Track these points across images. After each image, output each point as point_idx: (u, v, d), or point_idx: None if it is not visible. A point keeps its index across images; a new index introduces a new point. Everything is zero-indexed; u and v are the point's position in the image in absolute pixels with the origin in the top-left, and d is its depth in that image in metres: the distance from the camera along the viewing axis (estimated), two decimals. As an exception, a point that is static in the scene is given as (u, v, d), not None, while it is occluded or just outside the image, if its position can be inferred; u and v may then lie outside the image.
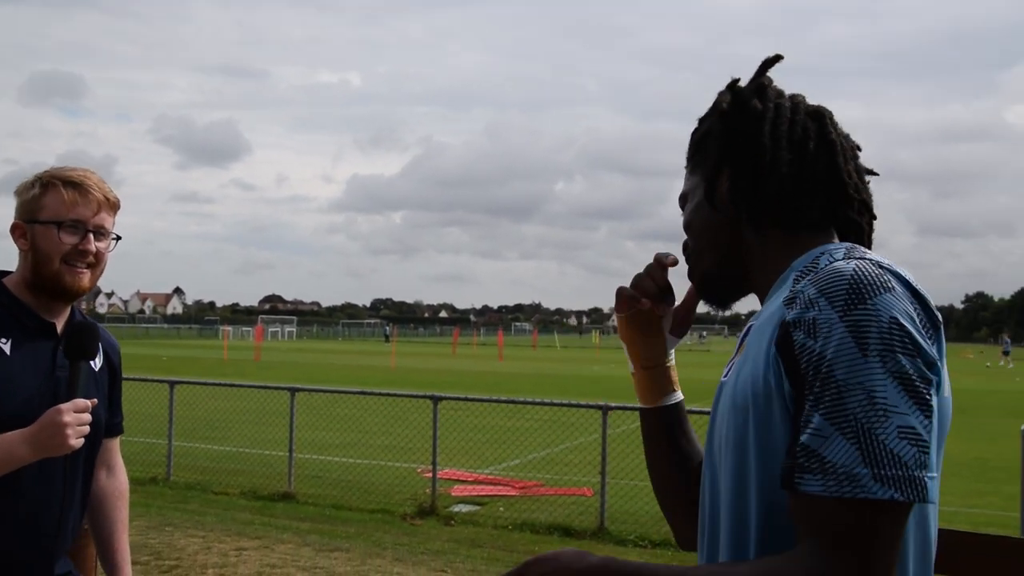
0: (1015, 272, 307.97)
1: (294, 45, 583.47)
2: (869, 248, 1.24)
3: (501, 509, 8.55)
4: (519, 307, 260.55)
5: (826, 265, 1.13)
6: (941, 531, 1.18)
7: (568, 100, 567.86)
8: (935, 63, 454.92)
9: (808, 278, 1.11)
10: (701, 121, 1.35)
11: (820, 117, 1.27)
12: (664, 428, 1.43)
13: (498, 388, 22.85)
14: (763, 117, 1.25)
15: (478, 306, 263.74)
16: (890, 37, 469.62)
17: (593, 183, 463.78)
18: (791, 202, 1.23)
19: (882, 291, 1.04)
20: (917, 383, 1.01)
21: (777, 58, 1.32)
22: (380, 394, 11.29)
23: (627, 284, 1.42)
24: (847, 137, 1.29)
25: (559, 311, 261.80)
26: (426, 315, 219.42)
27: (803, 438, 1.02)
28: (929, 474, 0.99)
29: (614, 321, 1.59)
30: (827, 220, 1.25)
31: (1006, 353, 52.95)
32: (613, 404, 8.39)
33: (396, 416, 11.87)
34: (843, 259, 1.13)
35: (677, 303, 1.45)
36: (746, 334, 1.24)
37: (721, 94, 1.31)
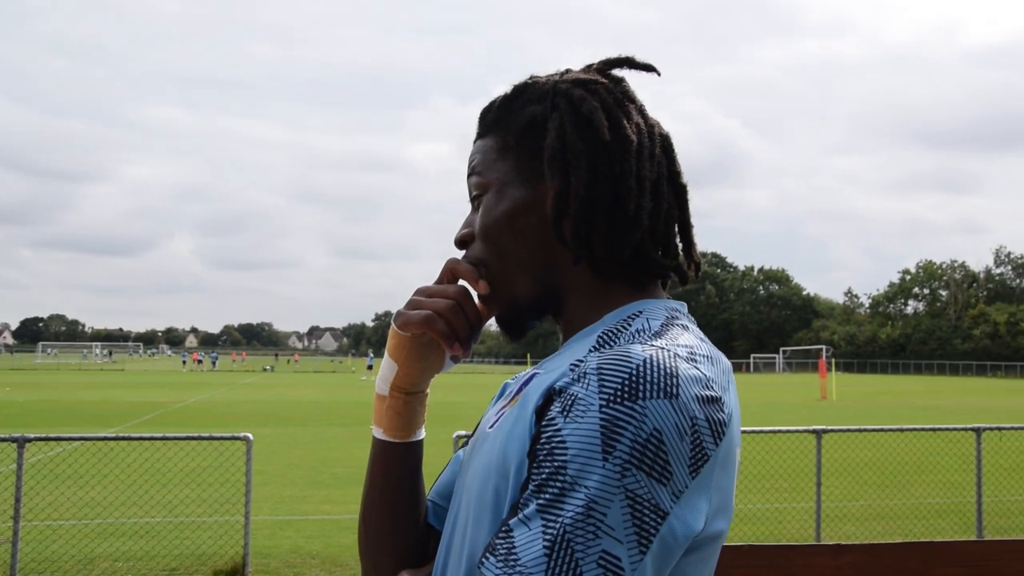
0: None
1: None
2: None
3: None
4: None
5: (636, 331, 1.01)
6: None
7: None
8: (352, 96, 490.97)
9: (604, 349, 0.98)
10: (527, 98, 1.13)
11: (669, 148, 1.14)
12: (410, 467, 1.20)
13: None
14: (630, 150, 1.08)
15: None
16: (313, 66, 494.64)
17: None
18: (646, 255, 1.09)
19: (661, 395, 0.89)
20: (648, 513, 0.87)
21: (650, 68, 1.15)
22: None
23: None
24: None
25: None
26: None
27: (513, 519, 0.90)
28: None
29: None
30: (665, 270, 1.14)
31: (369, 367, 60.41)
32: (32, 435, 7.22)
33: None
34: (650, 336, 0.99)
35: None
36: (527, 381, 1.07)
37: (582, 98, 1.09)
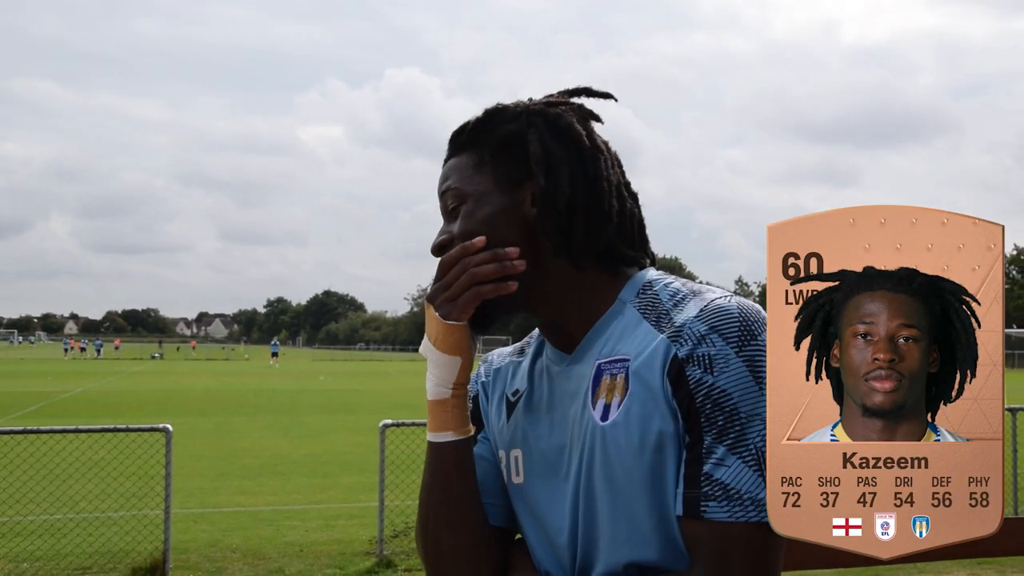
0: (309, 279, 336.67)
1: None
2: None
3: None
4: None
5: (674, 292, 1.20)
6: None
7: None
8: (240, 77, 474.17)
9: (692, 315, 1.13)
10: (500, 119, 1.24)
11: (620, 162, 1.28)
12: (470, 459, 1.26)
13: None
14: (600, 158, 1.23)
15: None
16: (198, 45, 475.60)
17: None
18: (615, 247, 1.23)
19: (764, 328, 1.09)
20: None
21: (607, 96, 1.29)
22: None
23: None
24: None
25: None
26: None
27: (706, 467, 1.07)
28: None
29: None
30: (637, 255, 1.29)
31: (274, 355, 58.45)
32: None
33: None
34: (692, 291, 1.19)
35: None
36: (600, 375, 1.18)
37: (557, 115, 1.23)
